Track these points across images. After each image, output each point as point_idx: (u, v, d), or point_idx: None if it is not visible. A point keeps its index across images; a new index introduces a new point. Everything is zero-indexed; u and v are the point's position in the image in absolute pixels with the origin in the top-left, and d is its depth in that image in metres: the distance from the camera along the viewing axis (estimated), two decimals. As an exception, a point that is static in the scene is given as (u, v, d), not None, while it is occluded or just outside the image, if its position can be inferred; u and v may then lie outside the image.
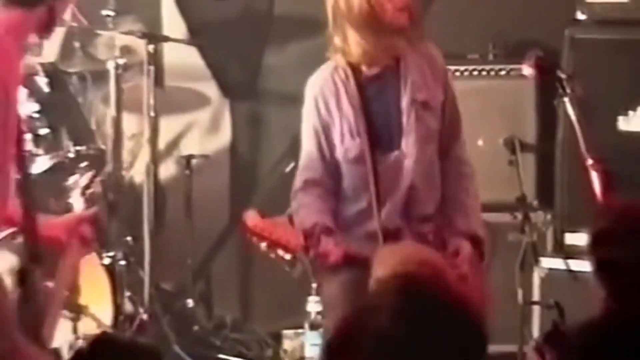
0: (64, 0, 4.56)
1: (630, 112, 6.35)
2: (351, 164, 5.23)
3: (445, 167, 5.31)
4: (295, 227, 5.10)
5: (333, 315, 5.08)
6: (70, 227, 4.87)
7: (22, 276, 4.60)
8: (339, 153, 5.23)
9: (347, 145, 5.22)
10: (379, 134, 5.24)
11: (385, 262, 4.08)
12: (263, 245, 5.06)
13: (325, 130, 5.24)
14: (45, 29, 4.59)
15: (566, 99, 5.36)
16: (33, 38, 4.67)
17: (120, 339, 3.63)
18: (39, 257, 4.59)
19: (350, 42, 5.19)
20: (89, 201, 5.96)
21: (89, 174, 6.35)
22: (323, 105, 5.25)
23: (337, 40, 5.20)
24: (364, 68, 5.22)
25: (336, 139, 5.23)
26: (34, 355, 4.43)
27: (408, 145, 5.22)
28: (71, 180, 6.49)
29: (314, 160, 5.25)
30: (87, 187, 6.17)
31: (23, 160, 4.66)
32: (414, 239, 5.16)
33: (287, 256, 5.05)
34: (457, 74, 6.54)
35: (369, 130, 5.22)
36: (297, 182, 5.28)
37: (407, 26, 5.15)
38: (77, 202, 6.40)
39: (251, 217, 5.11)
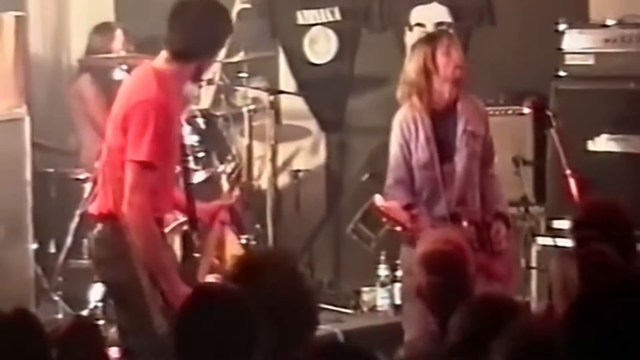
0: (209, 61, 4.71)
1: (596, 138, 6.22)
2: (421, 169, 5.34)
3: (484, 178, 5.42)
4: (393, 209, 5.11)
5: (408, 279, 5.13)
6: (212, 212, 4.92)
7: (185, 238, 4.76)
8: (414, 161, 5.35)
9: (419, 155, 5.33)
10: (441, 149, 5.34)
11: (422, 242, 4.27)
12: (383, 219, 5.11)
13: (407, 144, 5.34)
14: (195, 79, 4.79)
15: (553, 130, 5.46)
16: (189, 85, 4.81)
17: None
18: (196, 227, 4.72)
19: (425, 90, 5.31)
20: (232, 189, 5.86)
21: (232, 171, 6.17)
22: (405, 128, 5.34)
23: (417, 87, 5.32)
24: (434, 106, 5.33)
25: (412, 151, 5.34)
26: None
27: (459, 159, 5.36)
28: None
29: (400, 164, 5.37)
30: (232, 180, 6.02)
31: (187, 170, 4.92)
32: (467, 221, 5.31)
33: (398, 228, 5.08)
34: (478, 113, 6.56)
35: (435, 147, 5.33)
36: (389, 179, 5.40)
37: (461, 79, 5.29)
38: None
39: (379, 200, 5.13)
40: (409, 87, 5.36)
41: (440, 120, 5.37)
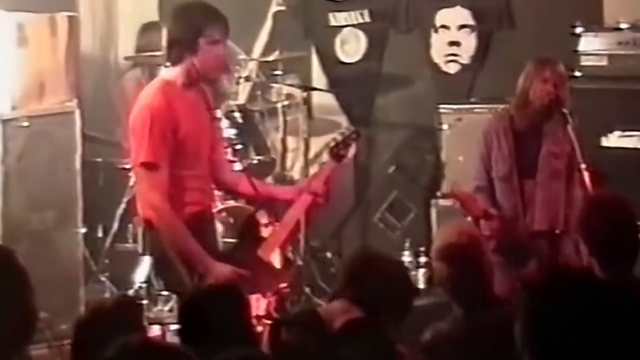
0: (202, 58, 4.52)
1: (609, 135, 6.27)
2: (501, 181, 5.34)
3: (570, 198, 5.31)
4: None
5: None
6: (301, 189, 4.88)
7: (249, 219, 4.97)
8: (494, 172, 5.36)
9: (499, 167, 5.33)
10: (522, 165, 5.32)
11: (438, 237, 4.28)
12: (457, 204, 5.24)
13: (488, 155, 5.36)
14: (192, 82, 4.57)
15: (569, 126, 5.41)
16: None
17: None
18: (260, 206, 4.99)
19: (520, 107, 5.33)
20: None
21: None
22: (489, 140, 5.37)
23: (515, 102, 5.37)
24: (523, 123, 5.33)
25: (493, 162, 5.35)
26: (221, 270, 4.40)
27: (539, 178, 5.32)
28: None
29: (480, 173, 5.39)
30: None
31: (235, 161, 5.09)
32: (547, 237, 5.24)
33: (469, 218, 5.12)
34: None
35: (516, 162, 5.32)
36: (470, 187, 5.41)
37: (551, 105, 5.27)
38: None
39: (457, 187, 5.32)
40: (513, 100, 5.41)
41: (526, 138, 5.36)
